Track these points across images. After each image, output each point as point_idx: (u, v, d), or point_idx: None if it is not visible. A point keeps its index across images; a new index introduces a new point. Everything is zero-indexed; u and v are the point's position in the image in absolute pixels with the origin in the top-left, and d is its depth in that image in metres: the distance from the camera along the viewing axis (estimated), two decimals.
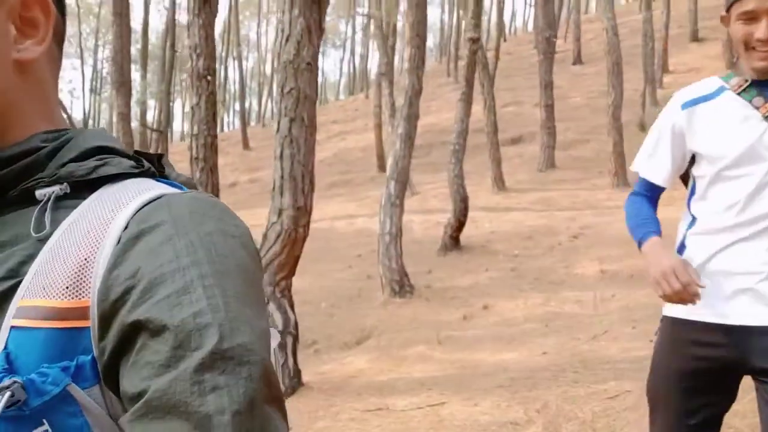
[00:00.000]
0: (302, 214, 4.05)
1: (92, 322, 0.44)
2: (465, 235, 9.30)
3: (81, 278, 0.45)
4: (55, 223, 0.48)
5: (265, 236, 4.08)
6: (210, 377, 0.39)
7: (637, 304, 5.79)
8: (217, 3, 5.80)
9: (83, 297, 0.44)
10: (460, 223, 9.02)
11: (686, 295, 1.26)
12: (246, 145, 26.42)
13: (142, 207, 0.47)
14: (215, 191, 6.29)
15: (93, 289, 0.44)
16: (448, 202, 10.87)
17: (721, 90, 1.38)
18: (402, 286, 7.13)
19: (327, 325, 6.72)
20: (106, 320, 0.43)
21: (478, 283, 7.51)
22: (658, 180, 1.48)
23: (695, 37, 22.81)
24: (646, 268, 1.34)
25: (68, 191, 0.50)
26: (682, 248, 1.46)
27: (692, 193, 1.46)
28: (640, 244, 1.43)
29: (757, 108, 1.32)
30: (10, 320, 0.44)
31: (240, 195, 19.10)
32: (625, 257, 7.83)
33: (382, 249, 7.19)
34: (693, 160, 1.45)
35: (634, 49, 18.66)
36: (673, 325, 1.41)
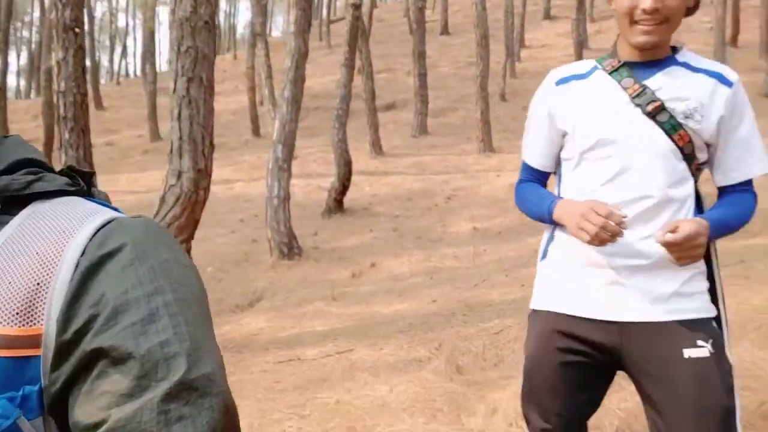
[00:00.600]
0: (203, 176, 4.02)
1: (44, 351, 0.42)
2: (348, 198, 9.59)
3: (33, 304, 0.43)
4: None
5: (162, 199, 4.00)
6: (175, 407, 0.39)
7: (506, 257, 6.49)
8: None
9: (35, 324, 0.42)
10: (344, 187, 9.28)
11: (613, 228, 1.17)
12: (99, 104, 24.26)
13: (97, 231, 0.46)
14: (88, 154, 5.89)
15: (47, 316, 0.42)
16: (328, 166, 11.04)
17: (593, 70, 1.33)
18: (291, 248, 7.26)
19: (215, 290, 6.68)
20: (65, 349, 0.42)
21: (364, 243, 7.87)
22: (536, 164, 1.40)
23: (548, 15, 24.81)
24: (567, 227, 1.26)
25: (0, 206, 0.47)
26: (549, 243, 1.36)
27: (560, 180, 1.38)
28: (550, 217, 1.31)
29: (626, 89, 1.26)
30: None
31: (96, 159, 17.52)
32: (494, 216, 8.64)
33: (270, 213, 7.23)
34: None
35: (496, 23, 19.88)
36: (541, 318, 1.34)
